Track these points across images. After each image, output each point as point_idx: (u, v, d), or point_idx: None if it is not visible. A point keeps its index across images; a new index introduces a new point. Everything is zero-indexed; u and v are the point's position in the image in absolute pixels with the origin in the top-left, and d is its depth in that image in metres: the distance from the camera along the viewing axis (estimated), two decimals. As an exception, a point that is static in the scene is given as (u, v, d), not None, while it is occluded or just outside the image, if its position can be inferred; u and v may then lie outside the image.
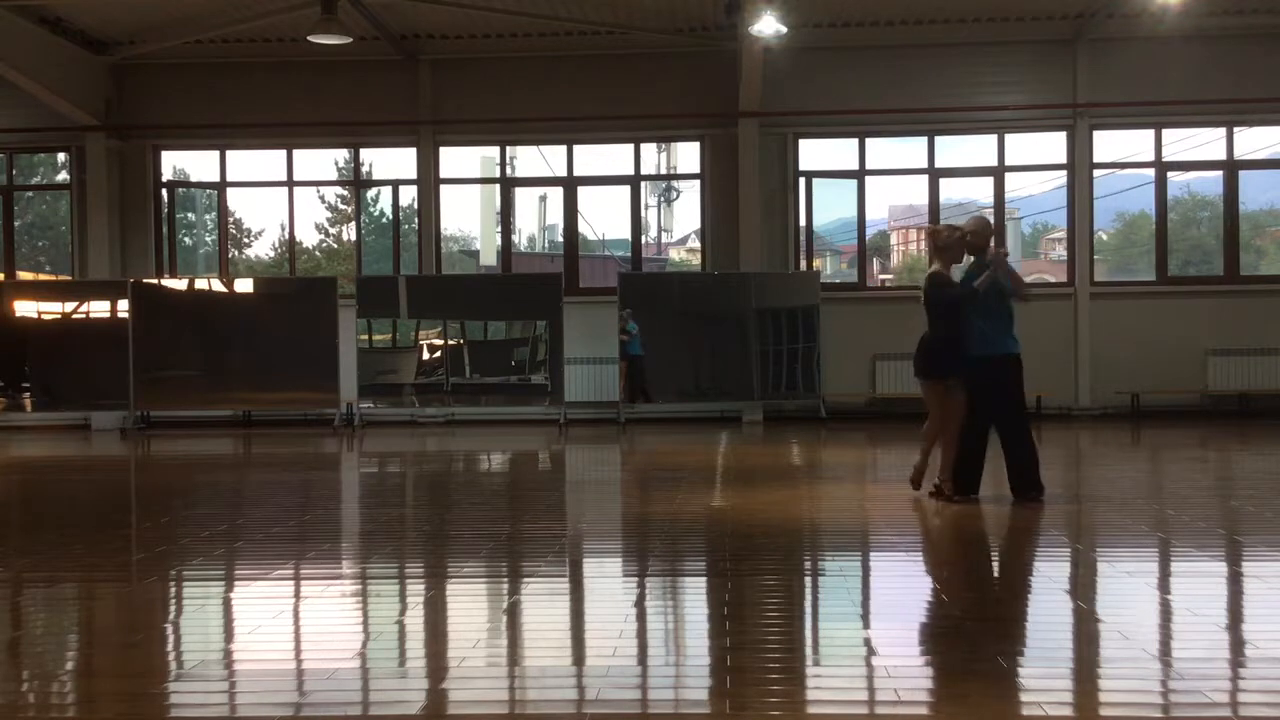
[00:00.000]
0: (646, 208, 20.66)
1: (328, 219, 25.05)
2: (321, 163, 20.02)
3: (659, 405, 17.30)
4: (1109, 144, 17.82)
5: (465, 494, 10.63)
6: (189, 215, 20.44)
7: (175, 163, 19.28)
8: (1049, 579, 6.16)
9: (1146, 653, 4.75)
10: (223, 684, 4.45)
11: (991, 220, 9.52)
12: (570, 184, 18.29)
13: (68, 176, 18.82)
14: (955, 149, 18.46)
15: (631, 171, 18.33)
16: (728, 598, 5.73)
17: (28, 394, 17.73)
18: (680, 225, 22.73)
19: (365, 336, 17.36)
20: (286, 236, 19.25)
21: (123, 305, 17.04)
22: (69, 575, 6.50)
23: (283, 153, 18.46)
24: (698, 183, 18.26)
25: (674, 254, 23.10)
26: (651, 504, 9.08)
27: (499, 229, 19.17)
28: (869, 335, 17.17)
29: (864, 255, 18.34)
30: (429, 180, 18.09)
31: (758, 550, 7.00)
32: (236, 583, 6.39)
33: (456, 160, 18.61)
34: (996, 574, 6.60)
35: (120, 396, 16.90)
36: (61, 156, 19.33)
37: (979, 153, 18.03)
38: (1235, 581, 6.17)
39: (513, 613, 5.57)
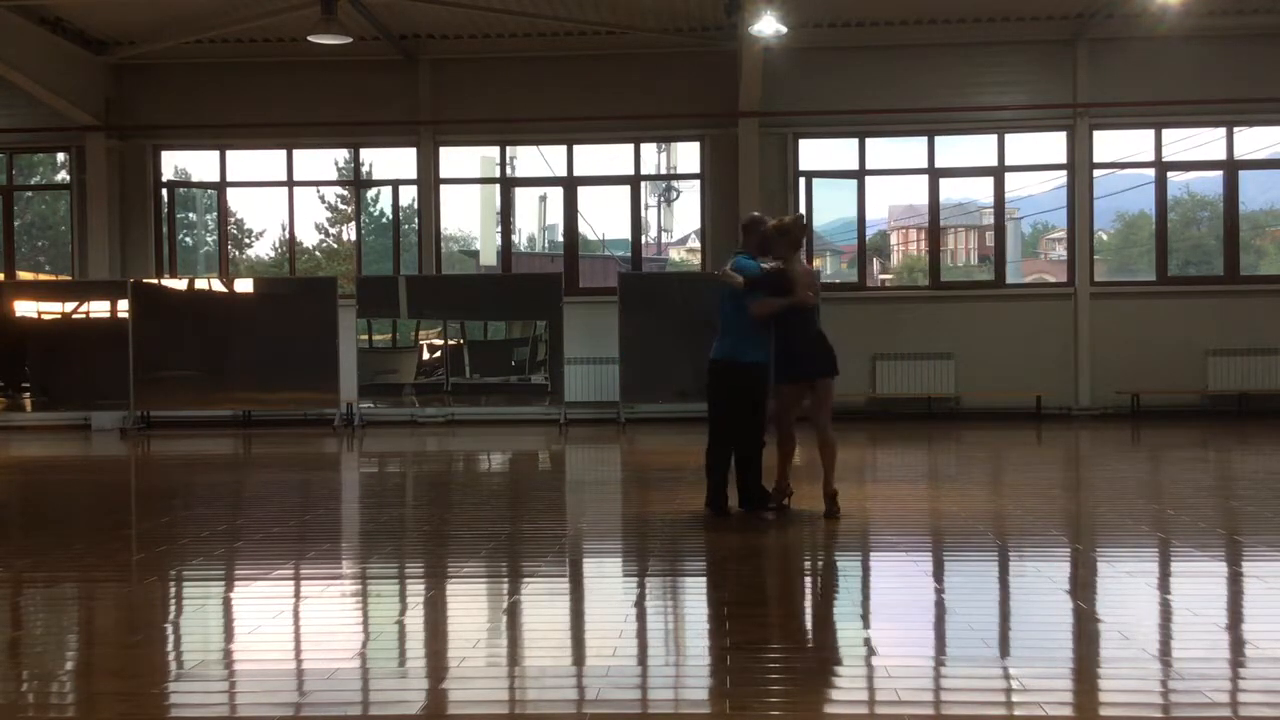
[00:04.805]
0: (646, 208, 20.65)
1: (328, 219, 25.04)
2: (321, 163, 20.00)
3: (659, 405, 17.28)
4: (1109, 144, 17.81)
5: (465, 494, 10.62)
6: (189, 215, 20.44)
7: (175, 163, 19.28)
8: (1049, 579, 6.16)
9: (1146, 653, 4.75)
10: (223, 684, 4.46)
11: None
12: (570, 184, 18.28)
13: (67, 176, 18.81)
14: (955, 149, 18.43)
15: (631, 171, 18.32)
16: (728, 598, 5.73)
17: (28, 394, 17.73)
18: (680, 225, 22.71)
19: (365, 336, 17.35)
20: (286, 236, 19.25)
21: (123, 305, 17.04)
22: (69, 575, 6.50)
23: (283, 153, 18.46)
24: (698, 183, 18.25)
25: (674, 254, 23.08)
26: (651, 504, 9.07)
27: (499, 229, 19.17)
28: (869, 335, 17.17)
29: (864, 255, 18.33)
30: (429, 180, 18.10)
31: (758, 550, 7.00)
32: (236, 583, 6.39)
33: (456, 160, 18.61)
34: (996, 574, 6.59)
35: (120, 396, 16.90)
36: (61, 156, 19.32)
37: (979, 153, 18.03)
38: (1235, 581, 6.17)
39: (513, 613, 5.57)
